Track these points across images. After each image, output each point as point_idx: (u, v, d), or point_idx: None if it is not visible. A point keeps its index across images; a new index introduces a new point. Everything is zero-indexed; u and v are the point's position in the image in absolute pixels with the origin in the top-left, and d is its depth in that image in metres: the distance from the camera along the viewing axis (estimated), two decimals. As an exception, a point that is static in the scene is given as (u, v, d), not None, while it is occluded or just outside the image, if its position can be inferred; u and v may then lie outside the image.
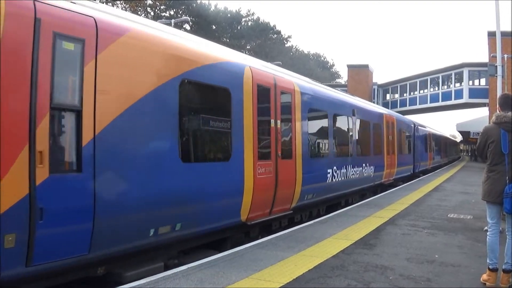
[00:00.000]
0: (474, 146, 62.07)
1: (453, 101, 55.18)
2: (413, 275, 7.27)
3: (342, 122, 17.01)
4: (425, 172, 37.17)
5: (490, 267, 6.79)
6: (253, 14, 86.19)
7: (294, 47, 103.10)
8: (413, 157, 31.09)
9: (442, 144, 53.74)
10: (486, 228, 7.92)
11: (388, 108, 42.39)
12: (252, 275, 7.12)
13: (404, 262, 8.11)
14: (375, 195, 19.87)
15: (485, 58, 45.51)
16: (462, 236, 10.52)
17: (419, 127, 35.01)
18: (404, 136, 28.27)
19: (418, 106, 60.91)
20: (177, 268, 7.58)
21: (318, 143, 14.67)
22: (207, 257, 8.45)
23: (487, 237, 6.98)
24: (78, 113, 6.15)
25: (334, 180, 14.96)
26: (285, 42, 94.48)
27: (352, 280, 6.94)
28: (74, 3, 6.47)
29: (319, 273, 7.27)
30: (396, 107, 60.58)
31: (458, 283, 6.91)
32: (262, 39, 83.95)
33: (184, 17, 49.78)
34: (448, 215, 13.62)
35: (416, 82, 61.16)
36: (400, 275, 7.26)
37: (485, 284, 6.79)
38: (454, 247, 9.39)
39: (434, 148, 43.90)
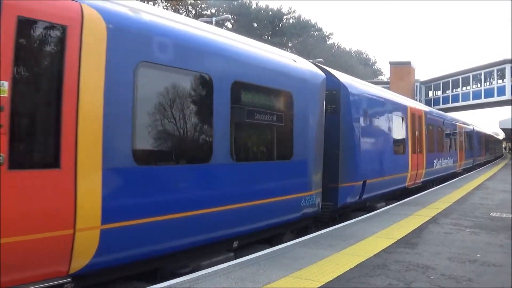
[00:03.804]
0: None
1: (495, 98, 53.91)
2: (454, 274, 7.27)
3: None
4: (401, 196, 18.94)
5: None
6: (294, 11, 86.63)
7: (335, 44, 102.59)
8: (338, 170, 13.04)
9: (465, 141, 36.06)
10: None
11: (430, 106, 40.71)
12: (293, 274, 7.19)
13: (446, 261, 8.11)
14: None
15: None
16: (504, 236, 10.41)
17: (388, 97, 18.46)
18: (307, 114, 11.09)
19: (460, 103, 59.78)
20: (217, 266, 7.70)
21: None
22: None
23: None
24: None
25: None
26: (327, 40, 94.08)
27: (393, 279, 6.98)
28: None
29: (360, 272, 7.32)
30: (439, 104, 59.62)
31: (500, 283, 6.89)
32: (303, 37, 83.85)
33: (225, 15, 50.26)
34: (491, 214, 13.47)
35: (459, 79, 60.02)
36: (442, 274, 7.28)
37: (527, 284, 6.75)
38: (496, 246, 9.33)
39: (441, 145, 26.86)
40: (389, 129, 17.28)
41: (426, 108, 26.03)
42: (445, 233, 10.60)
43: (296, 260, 8.04)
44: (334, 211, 13.27)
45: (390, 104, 18.03)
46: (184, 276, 7.11)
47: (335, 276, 7.07)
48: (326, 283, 6.75)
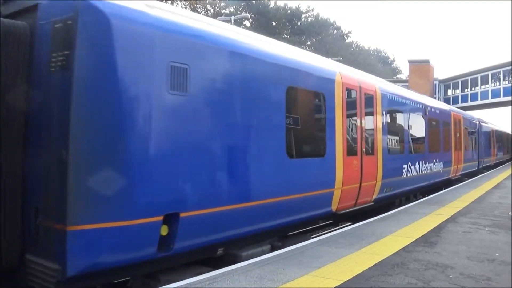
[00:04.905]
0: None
1: (513, 97, 53.40)
2: (473, 273, 7.29)
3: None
4: None
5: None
6: (312, 10, 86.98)
7: (354, 42, 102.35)
8: (65, 194, 5.84)
9: (466, 137, 27.39)
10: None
11: (449, 104, 39.96)
12: (312, 272, 7.23)
13: (464, 260, 8.13)
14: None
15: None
16: (524, 235, 10.37)
17: None
18: None
19: (479, 102, 59.29)
20: (236, 265, 7.72)
21: None
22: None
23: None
24: None
25: None
26: (345, 38, 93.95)
27: (412, 278, 7.02)
28: None
29: (379, 271, 7.36)
30: (458, 103, 59.11)
31: (519, 282, 6.90)
32: (322, 35, 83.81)
33: (244, 14, 50.50)
34: (510, 213, 13.40)
35: (477, 77, 59.55)
36: (461, 273, 7.30)
37: (546, 284, 6.73)
38: (516, 246, 9.30)
39: (421, 143, 18.39)
40: (276, 112, 9.20)
41: (388, 85, 16.29)
42: (463, 232, 10.60)
43: (315, 258, 8.08)
44: (66, 283, 5.89)
45: (282, 65, 9.55)
46: (203, 275, 7.15)
47: (354, 275, 7.12)
48: (345, 281, 6.80)
